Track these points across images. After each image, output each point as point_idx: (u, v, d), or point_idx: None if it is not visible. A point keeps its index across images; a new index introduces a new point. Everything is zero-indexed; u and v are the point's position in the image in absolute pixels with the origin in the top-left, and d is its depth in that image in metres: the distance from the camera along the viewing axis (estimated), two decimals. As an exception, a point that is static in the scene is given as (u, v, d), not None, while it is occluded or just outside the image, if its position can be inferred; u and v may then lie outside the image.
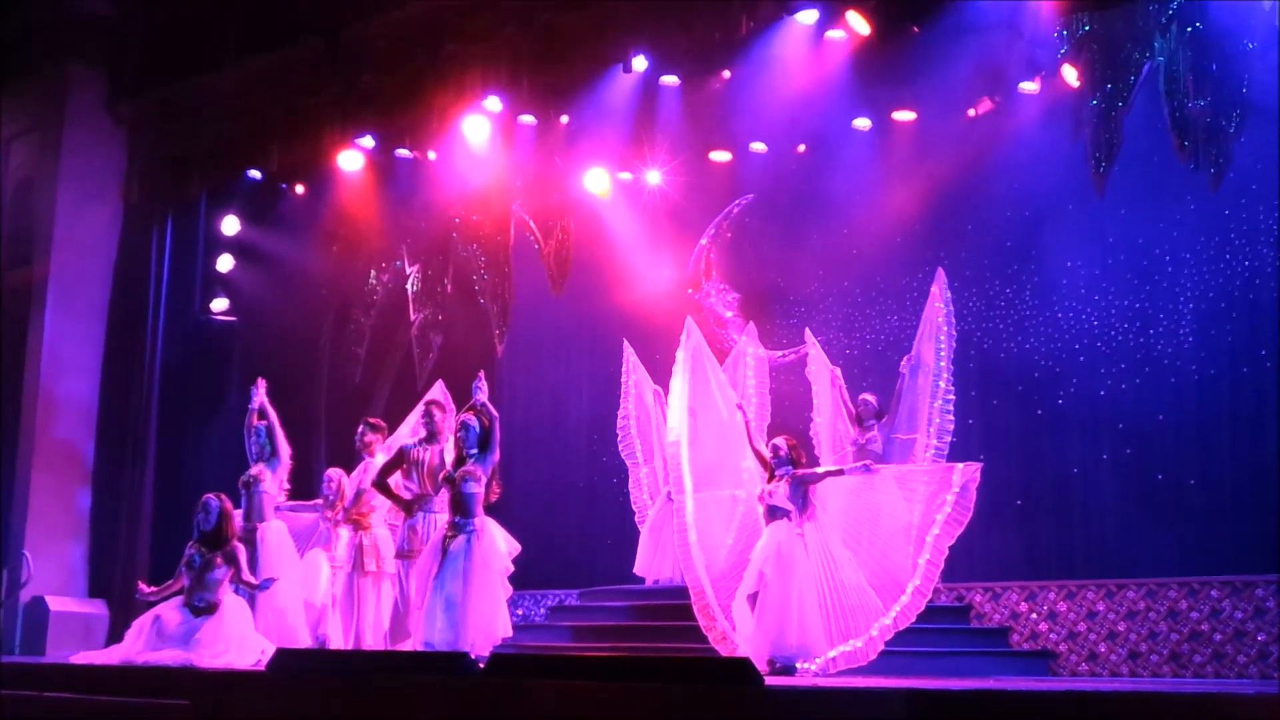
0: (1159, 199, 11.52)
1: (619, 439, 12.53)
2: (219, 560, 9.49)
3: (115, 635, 13.10)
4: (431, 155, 14.13)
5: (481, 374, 9.79)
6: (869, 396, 11.52)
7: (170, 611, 9.47)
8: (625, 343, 12.62)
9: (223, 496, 9.89)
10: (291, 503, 10.80)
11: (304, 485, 11.17)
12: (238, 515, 10.16)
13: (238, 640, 9.35)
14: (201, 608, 9.40)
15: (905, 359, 11.25)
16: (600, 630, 11.48)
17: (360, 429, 10.82)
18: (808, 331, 11.72)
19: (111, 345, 14.71)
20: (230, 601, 9.53)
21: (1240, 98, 10.24)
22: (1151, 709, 5.75)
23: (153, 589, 9.88)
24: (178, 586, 9.67)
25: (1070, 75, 11.17)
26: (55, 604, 13.45)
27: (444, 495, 9.61)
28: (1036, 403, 11.95)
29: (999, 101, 12.08)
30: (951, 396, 10.95)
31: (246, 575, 9.60)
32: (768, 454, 9.61)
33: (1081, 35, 10.84)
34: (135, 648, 9.36)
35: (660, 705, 4.38)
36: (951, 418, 10.91)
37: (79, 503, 14.35)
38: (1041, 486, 11.76)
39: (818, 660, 8.97)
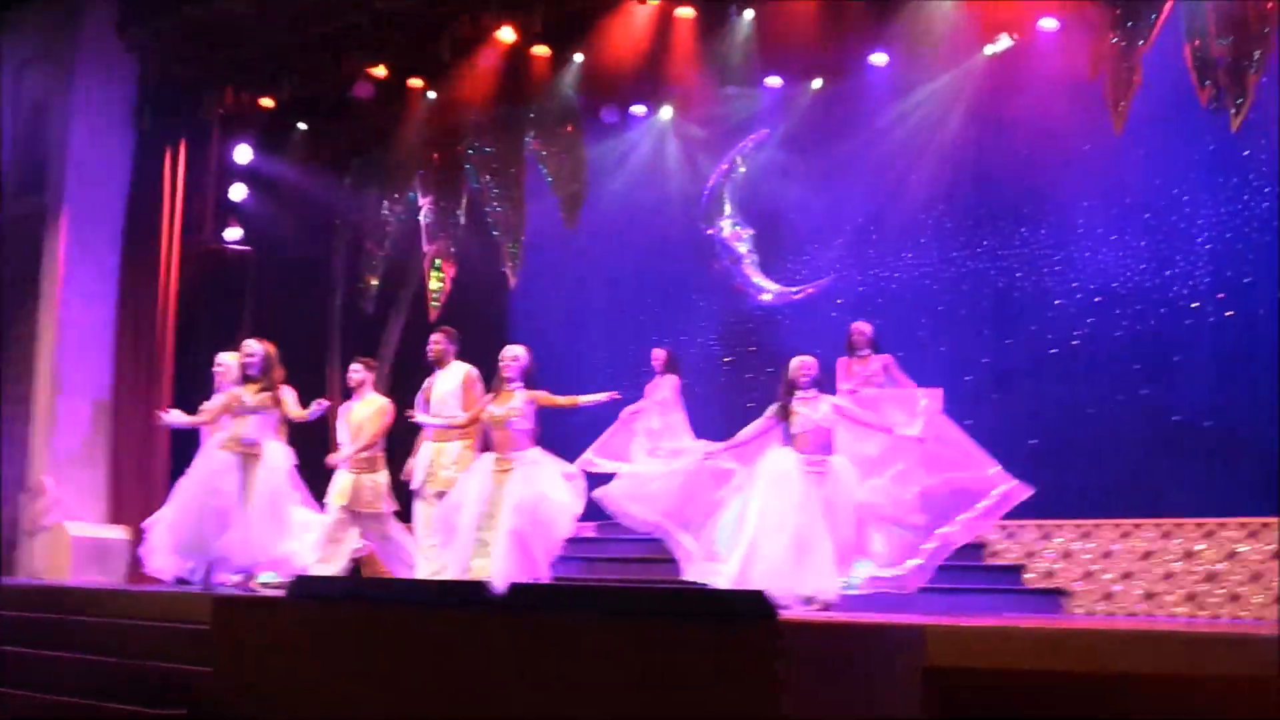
0: (1177, 138, 11.42)
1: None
2: (269, 401, 9.79)
3: (136, 561, 13.18)
4: (444, 87, 14.04)
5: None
6: (863, 325, 11.05)
7: (221, 477, 9.69)
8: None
9: (261, 339, 10.08)
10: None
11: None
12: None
13: (281, 490, 9.80)
14: (249, 447, 9.73)
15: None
16: (616, 562, 11.65)
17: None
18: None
19: (126, 272, 14.66)
20: (272, 447, 9.86)
21: (1262, 36, 10.15)
22: (1164, 647, 5.79)
23: (178, 418, 10.31)
24: (209, 420, 10.08)
25: (1090, 11, 11.07)
26: (76, 530, 13.52)
27: None
28: (1051, 342, 11.92)
29: (1017, 39, 11.98)
30: None
31: (293, 412, 9.82)
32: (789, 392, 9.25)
33: (1103, -30, 10.75)
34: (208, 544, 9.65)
35: (672, 637, 4.41)
36: None
37: (98, 429, 14.37)
38: (1056, 426, 11.71)
39: (846, 582, 8.96)
